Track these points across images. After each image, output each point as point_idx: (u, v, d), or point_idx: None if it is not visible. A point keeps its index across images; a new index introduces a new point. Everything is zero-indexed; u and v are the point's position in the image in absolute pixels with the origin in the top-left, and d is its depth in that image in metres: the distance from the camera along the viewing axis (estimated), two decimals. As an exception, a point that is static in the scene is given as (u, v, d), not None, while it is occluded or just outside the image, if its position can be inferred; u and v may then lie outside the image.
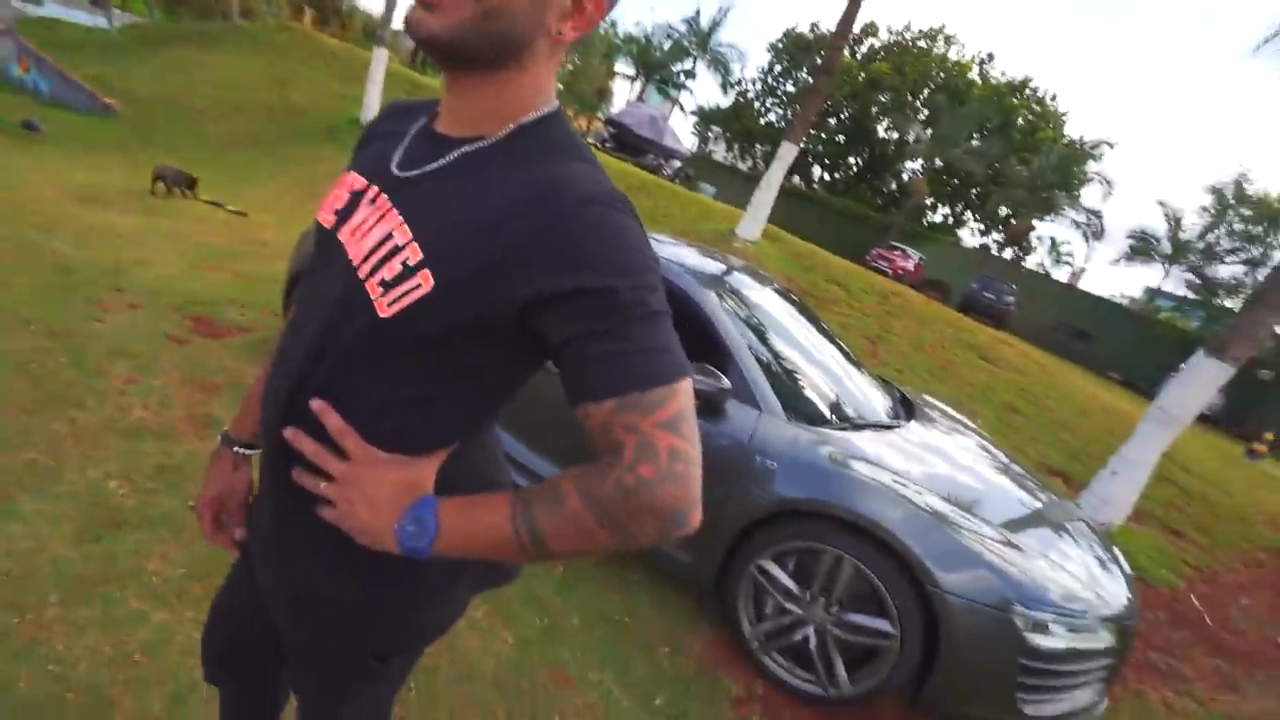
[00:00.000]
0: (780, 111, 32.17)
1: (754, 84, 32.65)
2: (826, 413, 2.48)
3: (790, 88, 31.73)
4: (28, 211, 4.94)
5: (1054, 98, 27.84)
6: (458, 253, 0.62)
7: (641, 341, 0.58)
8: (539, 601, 2.17)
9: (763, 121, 32.35)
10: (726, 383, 2.11)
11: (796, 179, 29.71)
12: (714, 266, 2.90)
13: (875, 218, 26.29)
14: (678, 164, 14.14)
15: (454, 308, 0.62)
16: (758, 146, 32.83)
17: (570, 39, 0.66)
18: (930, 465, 2.36)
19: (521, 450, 2.46)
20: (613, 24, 39.71)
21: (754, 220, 8.23)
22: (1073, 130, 27.83)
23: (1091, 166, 24.67)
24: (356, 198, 0.72)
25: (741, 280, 2.91)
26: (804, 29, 30.95)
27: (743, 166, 32.35)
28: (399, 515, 0.65)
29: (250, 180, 8.97)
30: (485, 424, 0.79)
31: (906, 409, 3.02)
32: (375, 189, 0.70)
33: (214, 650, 1.04)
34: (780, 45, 31.48)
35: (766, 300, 2.90)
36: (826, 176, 32.07)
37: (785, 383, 2.41)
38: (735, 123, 32.53)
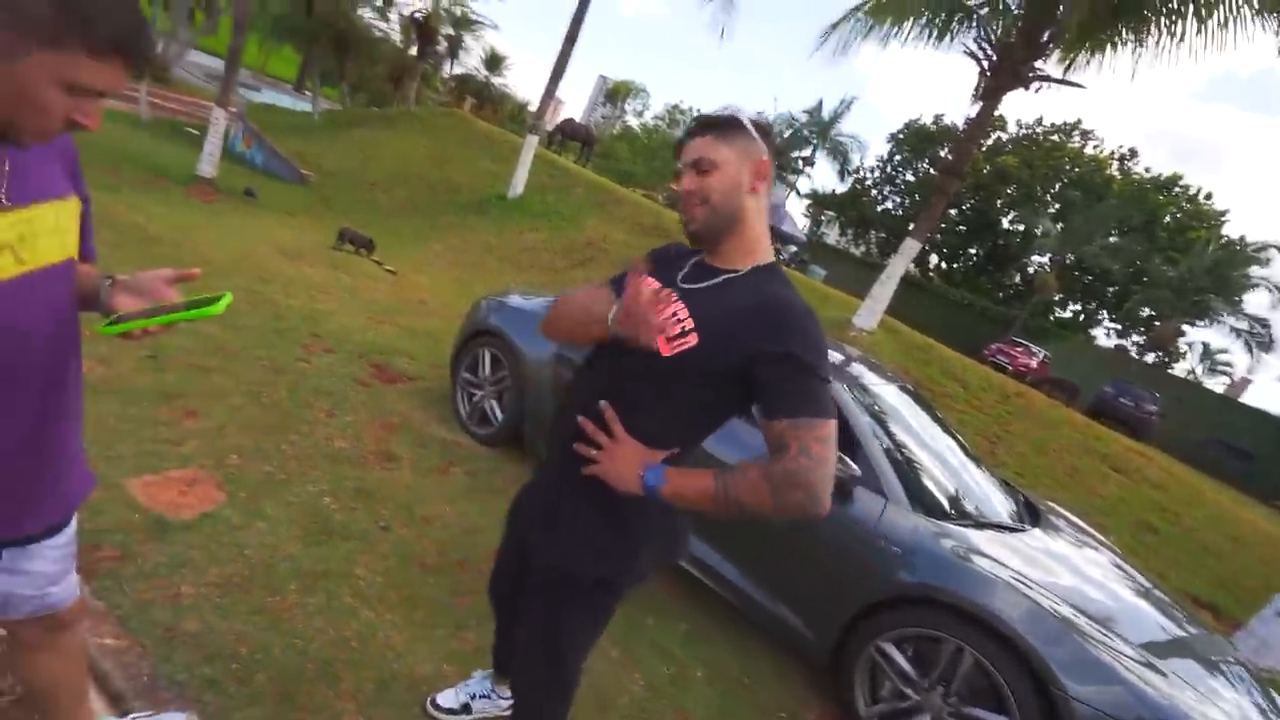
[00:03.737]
0: (898, 199, 32.08)
1: (872, 172, 32.91)
2: (948, 507, 2.57)
3: (910, 177, 31.68)
4: (253, 265, 6.02)
5: (1208, 196, 25.95)
6: (717, 327, 1.10)
7: (812, 390, 1.04)
8: (666, 652, 2.38)
9: (879, 209, 32.34)
10: (856, 469, 2.29)
11: (913, 266, 29.17)
12: (834, 355, 3.10)
13: (995, 310, 25.14)
14: (793, 249, 14.50)
15: (708, 356, 1.09)
16: (873, 233, 32.74)
17: (762, 188, 1.17)
18: (1056, 574, 2.37)
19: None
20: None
21: (872, 311, 8.31)
22: (1233, 231, 25.58)
23: (1256, 271, 22.45)
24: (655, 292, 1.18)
25: (863, 371, 3.10)
26: (927, 119, 31.13)
27: (856, 251, 32.26)
28: (642, 470, 1.11)
29: (409, 244, 10.24)
30: (696, 444, 1.23)
31: (1031, 514, 3.01)
32: (667, 290, 1.17)
33: (498, 590, 1.59)
34: (901, 136, 31.73)
35: (889, 392, 3.06)
36: (944, 265, 31.24)
37: (909, 474, 2.54)
38: (851, 209, 32.74)
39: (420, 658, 2.00)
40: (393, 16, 27.32)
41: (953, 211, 29.07)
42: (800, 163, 32.57)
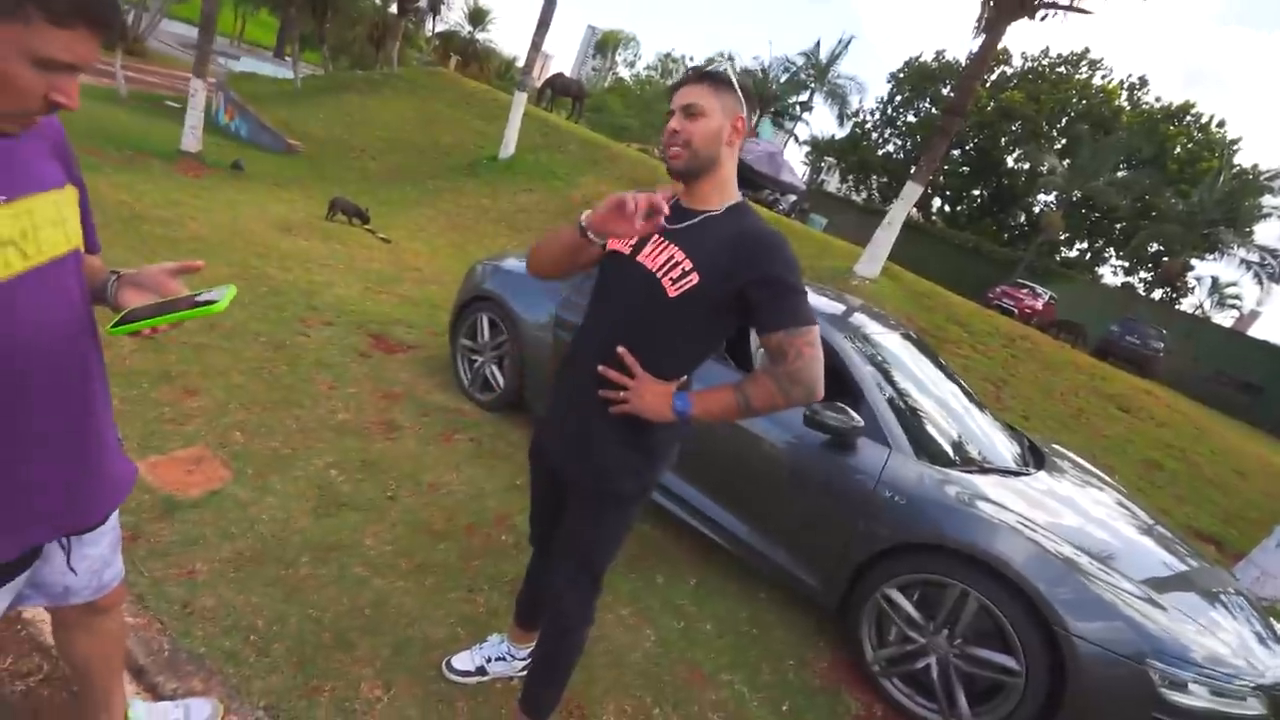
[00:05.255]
0: (899, 142, 31.32)
1: (873, 115, 32.04)
2: (952, 454, 2.57)
3: (911, 118, 30.84)
4: (246, 240, 5.95)
5: (1220, 124, 25.19)
6: (711, 262, 1.26)
7: (796, 304, 1.23)
8: (677, 608, 2.42)
9: (880, 153, 31.61)
10: (859, 420, 2.28)
11: (915, 210, 28.67)
12: (835, 307, 3.06)
13: (1000, 252, 24.78)
14: (793, 198, 14.23)
15: (708, 290, 1.26)
16: (873, 178, 32.09)
17: (738, 142, 1.32)
18: (1060, 516, 2.38)
19: (694, 494, 2.73)
20: (730, 58, 40.47)
21: (873, 258, 8.19)
22: (1245, 159, 24.88)
23: (1269, 200, 21.95)
24: (643, 240, 1.34)
25: (865, 321, 3.06)
26: (928, 56, 30.14)
27: (857, 198, 31.67)
28: (671, 401, 1.31)
29: (402, 210, 10.08)
30: (698, 366, 1.41)
31: (1035, 457, 3.01)
32: (656, 235, 1.32)
33: (537, 528, 1.67)
34: (902, 75, 30.76)
35: (891, 341, 3.02)
36: (947, 208, 30.69)
37: (912, 422, 2.53)
38: (851, 154, 32.00)
39: (434, 622, 2.04)
40: (370, -28, 26.35)
41: (955, 152, 28.38)
42: (798, 108, 31.69)
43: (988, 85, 27.36)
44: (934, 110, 28.65)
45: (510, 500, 2.84)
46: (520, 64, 13.52)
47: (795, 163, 31.14)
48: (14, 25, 0.69)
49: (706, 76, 1.30)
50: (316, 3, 24.04)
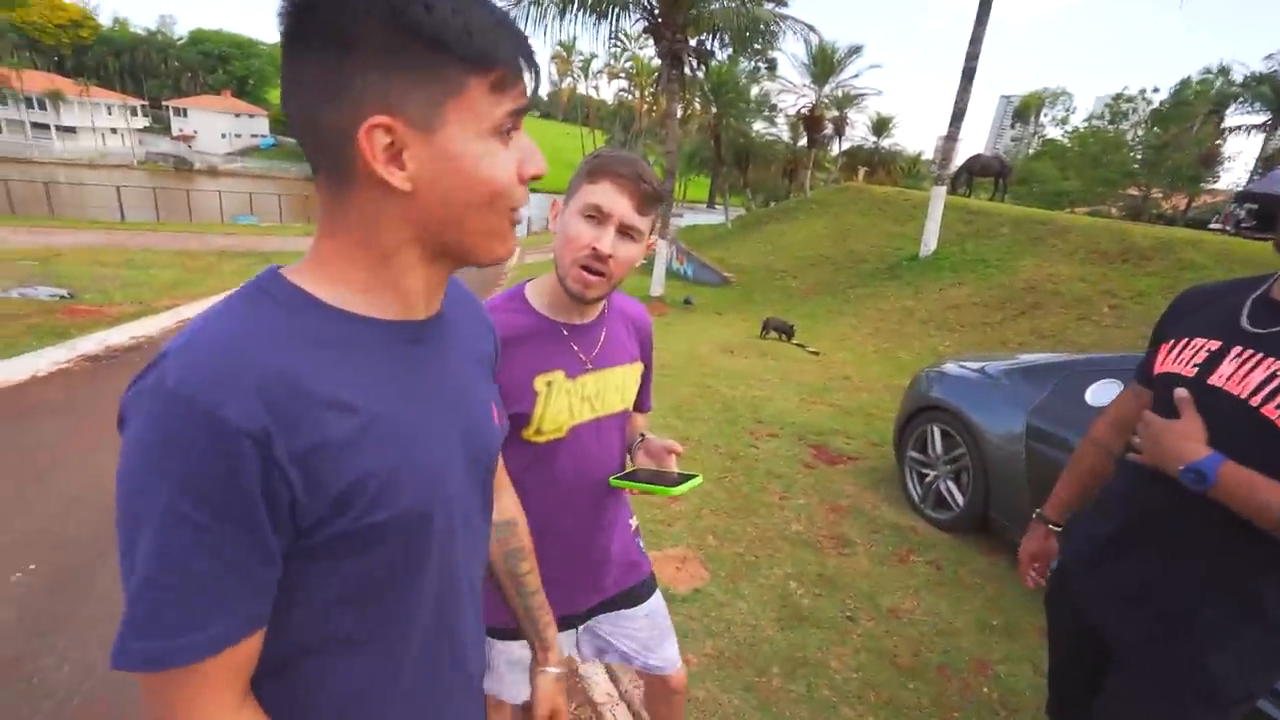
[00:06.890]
0: None
1: None
2: None
3: None
4: (700, 363, 7.06)
5: None
6: None
7: None
8: None
9: None
10: None
11: None
12: None
13: None
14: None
15: None
16: None
17: None
18: None
19: None
20: (1223, 70, 31.63)
21: None
22: None
23: None
24: (1217, 355, 1.03)
25: None
26: None
27: None
28: (1199, 450, 0.97)
29: (825, 322, 10.56)
30: None
31: None
32: (1236, 345, 1.01)
33: (1059, 695, 1.37)
34: None
35: None
36: None
37: None
38: None
39: (915, 778, 1.82)
40: (779, 119, 30.26)
41: None
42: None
43: None
44: None
45: (987, 643, 2.44)
46: (926, 157, 13.21)
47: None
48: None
49: None
50: (739, 158, 28.64)
